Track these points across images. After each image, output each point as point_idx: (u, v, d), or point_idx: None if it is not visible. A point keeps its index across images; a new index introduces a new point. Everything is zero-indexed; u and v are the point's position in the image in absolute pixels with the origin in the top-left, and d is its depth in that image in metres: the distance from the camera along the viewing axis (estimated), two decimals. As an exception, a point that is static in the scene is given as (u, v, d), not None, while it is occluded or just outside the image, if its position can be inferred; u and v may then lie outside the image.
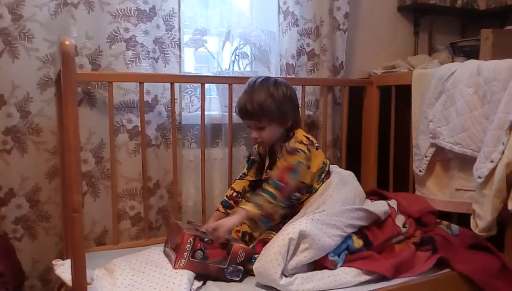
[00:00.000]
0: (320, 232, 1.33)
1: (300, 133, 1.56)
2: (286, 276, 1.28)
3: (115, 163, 1.65)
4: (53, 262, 1.30)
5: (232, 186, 1.68)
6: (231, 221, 1.37)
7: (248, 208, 1.38)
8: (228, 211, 1.61)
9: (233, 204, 1.63)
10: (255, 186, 1.67)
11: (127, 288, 1.24)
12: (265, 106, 1.47)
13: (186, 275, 1.27)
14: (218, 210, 1.62)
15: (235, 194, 1.65)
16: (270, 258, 1.27)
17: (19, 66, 1.55)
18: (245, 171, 1.71)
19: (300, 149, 1.49)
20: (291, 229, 1.31)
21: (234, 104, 1.83)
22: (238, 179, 1.70)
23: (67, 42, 0.95)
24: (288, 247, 1.27)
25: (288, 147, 1.52)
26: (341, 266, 1.36)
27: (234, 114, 1.82)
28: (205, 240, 1.33)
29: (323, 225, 1.35)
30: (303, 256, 1.30)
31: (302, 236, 1.30)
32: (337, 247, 1.38)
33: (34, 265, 1.65)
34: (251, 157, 1.71)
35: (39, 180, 1.62)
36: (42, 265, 1.66)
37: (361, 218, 1.45)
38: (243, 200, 1.64)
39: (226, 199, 1.64)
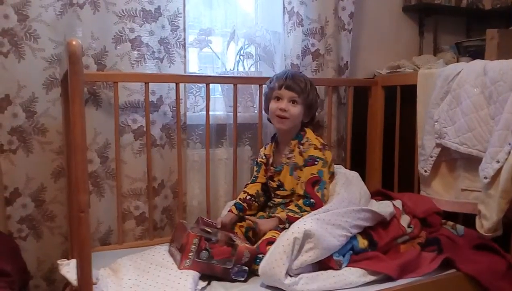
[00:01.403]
0: (325, 232, 1.32)
1: (312, 135, 1.60)
2: (291, 276, 1.27)
3: (120, 162, 1.66)
4: (58, 262, 1.30)
5: (245, 189, 1.69)
6: (267, 227, 1.47)
7: (283, 217, 1.46)
8: (241, 213, 1.62)
9: (246, 207, 1.63)
10: (267, 188, 1.69)
11: (132, 288, 1.24)
12: (310, 87, 1.61)
13: (191, 275, 1.27)
14: (231, 211, 1.62)
15: (248, 197, 1.65)
16: (275, 257, 1.26)
17: (25, 66, 1.55)
18: (255, 174, 1.72)
19: (318, 158, 1.53)
20: (296, 228, 1.31)
21: (239, 104, 1.84)
22: (250, 183, 1.71)
23: (74, 42, 0.95)
24: (293, 247, 1.27)
25: (303, 151, 1.55)
26: (346, 266, 1.36)
27: (238, 114, 1.83)
28: (212, 240, 1.33)
29: (328, 225, 1.35)
30: (308, 256, 1.29)
31: (307, 236, 1.29)
32: (342, 247, 1.38)
33: (39, 264, 1.65)
34: (258, 160, 1.72)
35: (45, 179, 1.63)
36: (47, 264, 1.66)
37: (367, 218, 1.45)
38: (256, 203, 1.66)
39: (240, 202, 1.64)
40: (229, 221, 1.57)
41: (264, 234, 1.45)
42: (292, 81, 1.57)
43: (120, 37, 1.65)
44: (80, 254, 1.01)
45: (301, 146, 1.56)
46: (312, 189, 1.49)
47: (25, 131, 1.58)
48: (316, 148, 1.55)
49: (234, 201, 1.67)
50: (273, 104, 1.59)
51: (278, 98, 1.58)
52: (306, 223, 1.33)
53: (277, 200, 1.63)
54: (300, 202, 1.49)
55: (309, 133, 1.61)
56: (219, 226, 1.52)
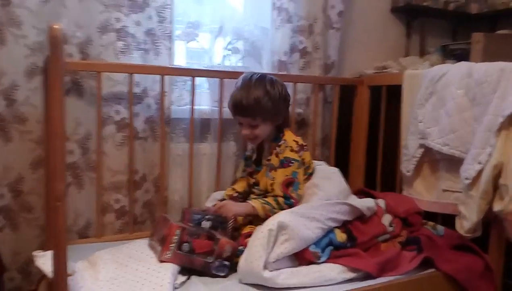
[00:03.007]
0: (299, 223, 1.33)
1: (290, 137, 1.58)
2: (270, 271, 1.27)
3: (101, 154, 1.63)
4: (34, 253, 1.28)
5: (233, 186, 1.70)
6: (237, 209, 1.46)
7: (256, 206, 1.45)
8: None
9: None
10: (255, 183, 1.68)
11: (109, 281, 1.22)
12: (262, 104, 1.50)
13: (170, 269, 1.26)
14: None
15: (235, 194, 1.67)
16: (252, 251, 1.27)
17: (6, 53, 1.51)
18: (244, 168, 1.72)
19: (293, 159, 1.52)
20: (270, 221, 1.32)
21: (224, 99, 1.83)
22: (239, 177, 1.71)
23: (56, 26, 0.93)
24: (268, 239, 1.28)
25: (279, 152, 1.54)
26: (325, 261, 1.36)
27: (224, 109, 1.81)
28: (194, 233, 1.31)
29: (302, 218, 1.36)
30: (284, 248, 1.30)
31: (281, 228, 1.31)
32: (320, 241, 1.39)
33: (15, 256, 1.61)
34: (247, 154, 1.73)
35: (23, 170, 1.58)
36: (23, 257, 1.62)
37: (343, 212, 1.46)
38: (242, 199, 1.65)
39: (226, 198, 1.65)
40: None
41: (231, 214, 1.44)
42: (246, 102, 1.49)
43: (106, 26, 1.62)
44: (56, 244, 0.99)
45: (277, 148, 1.56)
46: (287, 189, 1.49)
47: (4, 120, 1.54)
48: (292, 150, 1.54)
49: (218, 192, 1.69)
50: (239, 127, 1.59)
51: (240, 123, 1.58)
52: (280, 215, 1.34)
53: (253, 196, 1.64)
54: (281, 200, 1.48)
55: (288, 135, 1.59)
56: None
